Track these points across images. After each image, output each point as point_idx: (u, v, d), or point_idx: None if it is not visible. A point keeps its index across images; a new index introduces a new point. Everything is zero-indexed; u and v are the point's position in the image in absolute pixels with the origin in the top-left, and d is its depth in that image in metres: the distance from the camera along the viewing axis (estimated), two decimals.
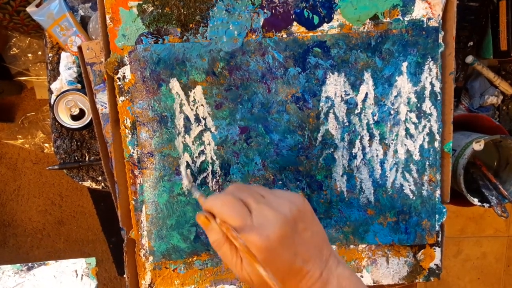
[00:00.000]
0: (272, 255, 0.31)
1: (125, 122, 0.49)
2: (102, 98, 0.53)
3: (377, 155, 0.50)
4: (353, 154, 0.50)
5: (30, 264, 0.59)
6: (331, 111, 0.49)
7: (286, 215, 0.32)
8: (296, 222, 0.33)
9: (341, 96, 0.49)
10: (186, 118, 0.49)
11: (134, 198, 0.50)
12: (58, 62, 0.65)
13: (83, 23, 0.65)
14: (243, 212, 0.32)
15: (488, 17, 0.66)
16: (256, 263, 0.31)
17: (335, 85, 0.49)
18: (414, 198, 0.50)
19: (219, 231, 0.33)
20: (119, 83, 0.48)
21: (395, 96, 0.49)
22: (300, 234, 0.33)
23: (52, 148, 0.75)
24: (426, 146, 0.49)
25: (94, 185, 0.67)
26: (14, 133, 1.43)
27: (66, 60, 0.63)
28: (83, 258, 0.59)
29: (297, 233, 0.33)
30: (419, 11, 0.47)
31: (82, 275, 0.59)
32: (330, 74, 0.48)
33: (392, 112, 0.49)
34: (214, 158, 0.50)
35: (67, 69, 0.62)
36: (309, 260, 0.33)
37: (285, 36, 0.48)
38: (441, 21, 0.47)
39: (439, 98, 0.48)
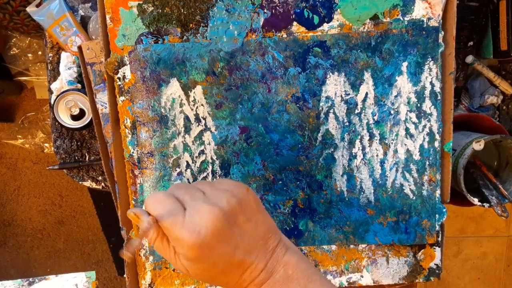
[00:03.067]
0: (206, 251, 0.31)
1: (125, 122, 0.49)
2: (102, 98, 0.53)
3: (377, 155, 0.50)
4: (353, 154, 0.50)
5: (31, 279, 0.60)
6: (331, 111, 0.49)
7: (222, 208, 0.31)
8: (235, 214, 0.32)
9: (341, 96, 0.49)
10: (186, 118, 0.49)
11: (134, 198, 0.50)
12: (58, 62, 0.65)
13: (83, 23, 0.65)
14: (174, 209, 0.32)
15: (488, 17, 0.66)
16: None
17: (335, 85, 0.49)
18: (414, 198, 0.50)
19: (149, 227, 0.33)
20: (119, 83, 0.48)
21: (395, 96, 0.49)
22: (241, 226, 0.33)
23: (52, 148, 0.75)
24: (426, 146, 0.49)
25: (94, 185, 0.67)
26: (14, 133, 1.43)
27: (66, 60, 0.63)
28: (83, 272, 0.60)
29: (237, 226, 0.32)
30: (419, 11, 0.47)
31: None
32: (330, 74, 0.48)
33: (392, 112, 0.49)
34: (214, 158, 0.50)
35: (67, 69, 0.62)
36: (251, 252, 0.32)
37: (285, 36, 0.48)
38: (441, 21, 0.47)
39: (439, 98, 0.48)
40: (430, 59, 0.48)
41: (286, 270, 0.33)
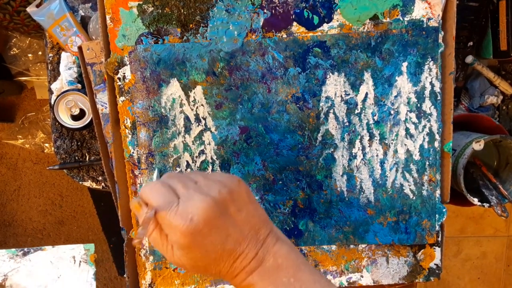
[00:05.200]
0: (199, 238, 0.32)
1: (125, 122, 0.49)
2: (102, 98, 0.53)
3: (377, 155, 0.50)
4: (353, 154, 0.50)
5: (26, 249, 0.58)
6: (331, 111, 0.49)
7: (214, 197, 0.33)
8: (227, 204, 0.33)
9: (341, 96, 0.49)
10: (186, 118, 0.49)
11: (134, 198, 0.50)
12: (58, 62, 0.65)
13: (83, 23, 0.65)
14: (168, 197, 0.33)
15: (488, 17, 0.66)
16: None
17: (335, 85, 0.49)
18: (414, 198, 0.50)
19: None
20: (119, 83, 0.48)
21: (395, 96, 0.49)
22: (232, 216, 0.34)
23: (53, 148, 0.75)
24: (426, 146, 0.49)
25: (94, 185, 0.67)
26: (14, 133, 1.43)
27: (67, 60, 0.63)
28: (81, 244, 0.58)
29: (228, 215, 0.33)
30: (419, 11, 0.47)
31: (80, 261, 0.57)
32: (330, 74, 0.48)
33: (392, 112, 0.49)
34: (214, 158, 0.50)
35: (67, 69, 0.63)
36: (242, 241, 0.33)
37: (285, 36, 0.48)
38: (441, 21, 0.47)
39: (439, 98, 0.48)
40: (430, 59, 0.48)
41: (276, 259, 0.34)
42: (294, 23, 0.48)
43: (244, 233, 0.34)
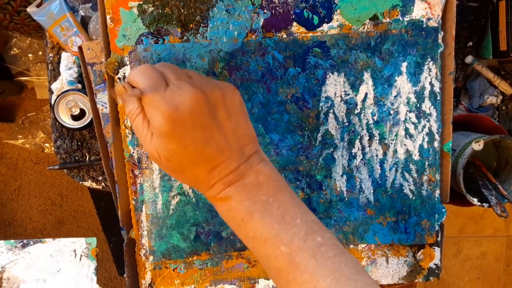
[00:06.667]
0: (180, 129, 0.30)
1: (126, 122, 0.49)
2: (103, 98, 0.53)
3: (376, 155, 0.50)
4: (353, 154, 0.50)
5: (25, 241, 0.56)
6: (331, 111, 0.49)
7: (205, 93, 0.31)
8: (217, 106, 0.32)
9: (340, 96, 0.49)
10: None
11: (134, 198, 0.50)
12: (58, 62, 0.65)
13: (84, 23, 0.65)
14: (157, 81, 0.31)
15: (488, 17, 0.66)
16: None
17: (335, 85, 0.49)
18: (413, 198, 0.50)
19: (135, 101, 0.32)
20: (120, 83, 0.48)
21: (395, 96, 0.49)
22: (221, 121, 0.32)
23: (53, 148, 0.75)
24: (425, 146, 0.49)
25: (94, 185, 0.68)
26: (14, 133, 1.44)
27: (67, 60, 0.63)
28: (83, 238, 0.56)
29: (216, 118, 0.32)
30: (418, 11, 0.47)
31: (81, 255, 0.56)
32: (330, 74, 0.48)
33: (391, 112, 0.49)
34: None
35: (67, 69, 0.63)
36: (225, 150, 0.32)
37: (285, 36, 0.48)
38: (440, 21, 0.47)
39: (438, 98, 0.49)
40: (430, 60, 0.48)
41: (257, 176, 0.32)
42: (294, 23, 0.48)
43: (229, 142, 0.32)
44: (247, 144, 0.33)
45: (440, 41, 0.47)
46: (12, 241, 0.56)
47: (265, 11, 0.47)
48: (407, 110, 0.49)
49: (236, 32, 0.48)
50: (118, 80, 0.48)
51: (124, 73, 0.48)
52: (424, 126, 0.49)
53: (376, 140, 0.50)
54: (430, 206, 0.50)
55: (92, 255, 0.56)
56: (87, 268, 0.56)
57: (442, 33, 0.47)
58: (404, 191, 0.50)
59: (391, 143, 0.50)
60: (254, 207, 0.32)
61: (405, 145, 0.50)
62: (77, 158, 0.67)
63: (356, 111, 0.49)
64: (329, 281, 0.29)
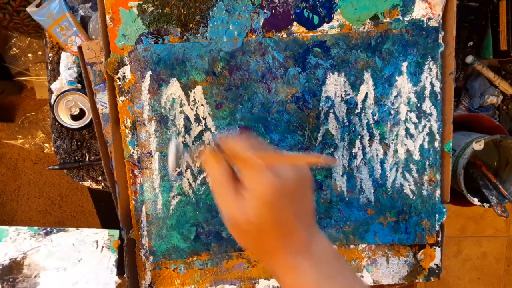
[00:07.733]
0: (281, 202, 0.31)
1: (125, 122, 0.49)
2: (102, 98, 0.53)
3: (377, 155, 0.50)
4: (353, 154, 0.50)
5: (48, 229, 0.56)
6: (331, 111, 0.49)
7: (301, 174, 0.33)
8: (299, 185, 0.33)
9: (341, 96, 0.49)
10: (186, 118, 0.49)
11: (134, 198, 0.50)
12: (58, 62, 0.65)
13: (83, 23, 0.65)
14: (261, 152, 0.32)
15: (488, 17, 0.66)
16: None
17: (335, 85, 0.49)
18: (414, 198, 0.50)
19: (224, 165, 0.32)
20: (119, 83, 0.48)
21: (395, 96, 0.49)
22: (299, 198, 0.33)
23: (52, 148, 0.75)
24: (426, 146, 0.49)
25: (94, 185, 0.67)
26: (14, 133, 1.43)
27: (66, 60, 0.63)
28: (105, 229, 0.56)
29: (297, 196, 0.33)
30: (419, 11, 0.47)
31: (103, 246, 0.56)
32: (330, 74, 0.48)
33: (392, 112, 0.49)
34: None
35: (67, 69, 0.62)
36: (300, 222, 0.33)
37: (285, 36, 0.48)
38: (441, 21, 0.47)
39: (439, 98, 0.48)
40: (430, 59, 0.48)
41: (323, 247, 0.34)
42: (294, 23, 0.48)
43: (302, 215, 0.34)
44: (312, 215, 0.35)
45: (440, 41, 0.47)
46: (36, 228, 0.56)
47: (265, 10, 0.47)
48: (407, 110, 0.49)
49: (236, 32, 0.47)
50: (118, 80, 0.48)
51: (124, 73, 0.48)
52: (424, 126, 0.49)
53: (376, 140, 0.50)
54: (430, 206, 0.50)
55: (114, 247, 0.56)
56: (108, 260, 0.56)
57: (442, 33, 0.47)
58: (405, 191, 0.50)
59: (392, 143, 0.50)
60: (322, 277, 0.33)
61: (405, 145, 0.50)
62: (76, 158, 0.67)
63: (356, 111, 0.49)
64: None
